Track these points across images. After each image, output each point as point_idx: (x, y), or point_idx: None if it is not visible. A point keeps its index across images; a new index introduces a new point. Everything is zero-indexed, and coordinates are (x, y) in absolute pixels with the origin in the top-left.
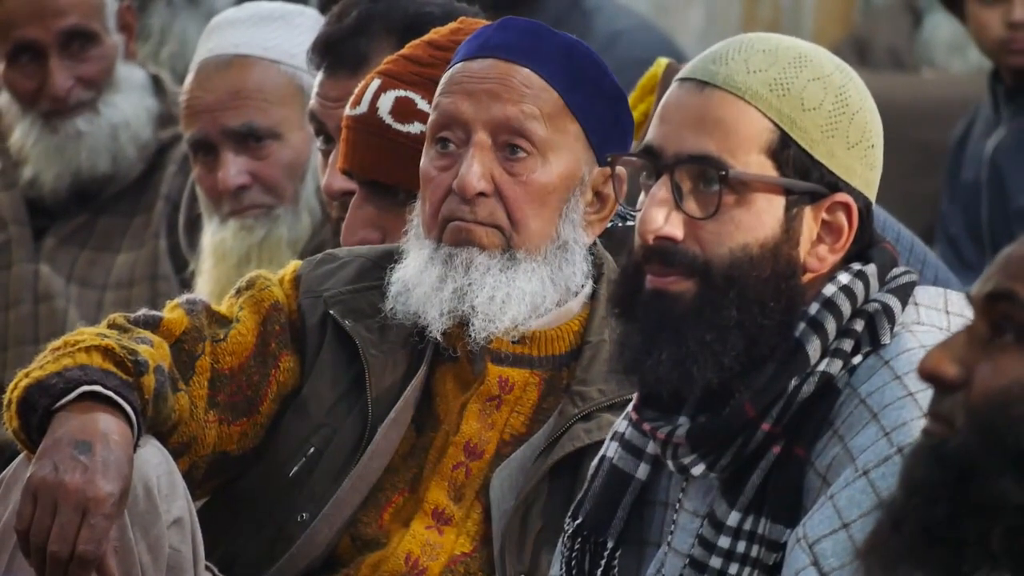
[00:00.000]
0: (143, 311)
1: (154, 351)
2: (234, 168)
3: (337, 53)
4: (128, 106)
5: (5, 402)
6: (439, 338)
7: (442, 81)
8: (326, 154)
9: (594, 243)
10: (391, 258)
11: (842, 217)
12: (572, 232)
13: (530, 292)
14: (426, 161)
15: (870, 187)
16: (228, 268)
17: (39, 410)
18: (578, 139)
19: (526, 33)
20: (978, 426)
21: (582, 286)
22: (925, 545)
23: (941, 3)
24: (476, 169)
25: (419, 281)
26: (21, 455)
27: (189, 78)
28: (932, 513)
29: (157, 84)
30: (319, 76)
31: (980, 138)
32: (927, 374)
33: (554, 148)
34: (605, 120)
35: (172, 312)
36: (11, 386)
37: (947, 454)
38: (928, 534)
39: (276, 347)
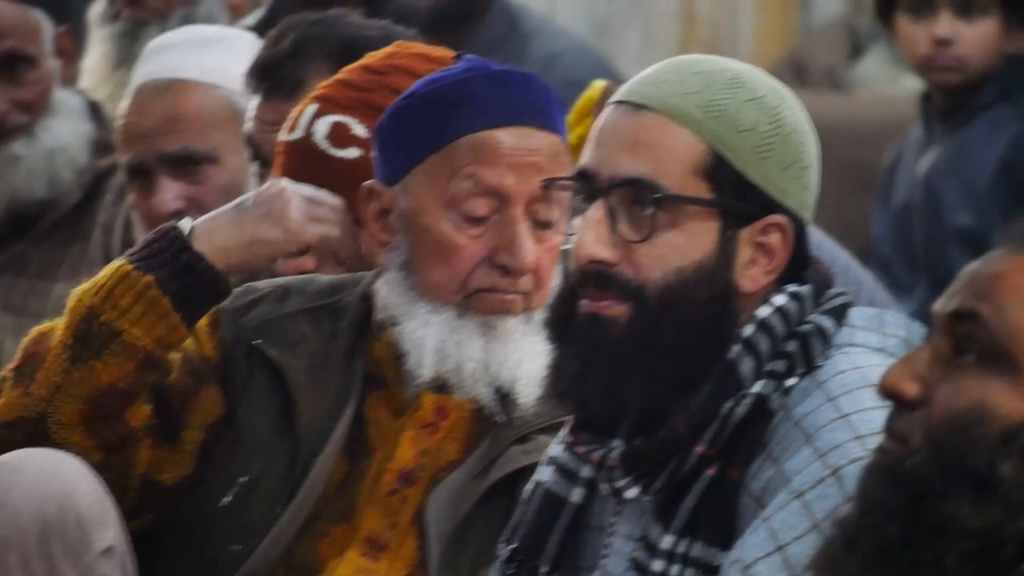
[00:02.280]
0: None
1: None
2: (170, 193)
3: (274, 77)
4: (65, 131)
5: None
6: (494, 406)
7: (466, 148)
8: (262, 178)
9: None
10: (312, 285)
11: (777, 239)
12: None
13: (545, 349)
14: (450, 227)
15: (805, 208)
16: None
17: None
18: None
19: (538, 92)
20: (936, 447)
21: None
22: (878, 565)
23: (878, 19)
24: (531, 248)
25: (456, 351)
26: None
27: (125, 102)
28: (886, 533)
29: (95, 110)
30: (256, 100)
31: (912, 160)
32: (887, 390)
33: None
34: None
35: None
36: None
37: (903, 474)
38: (882, 554)
39: (193, 383)
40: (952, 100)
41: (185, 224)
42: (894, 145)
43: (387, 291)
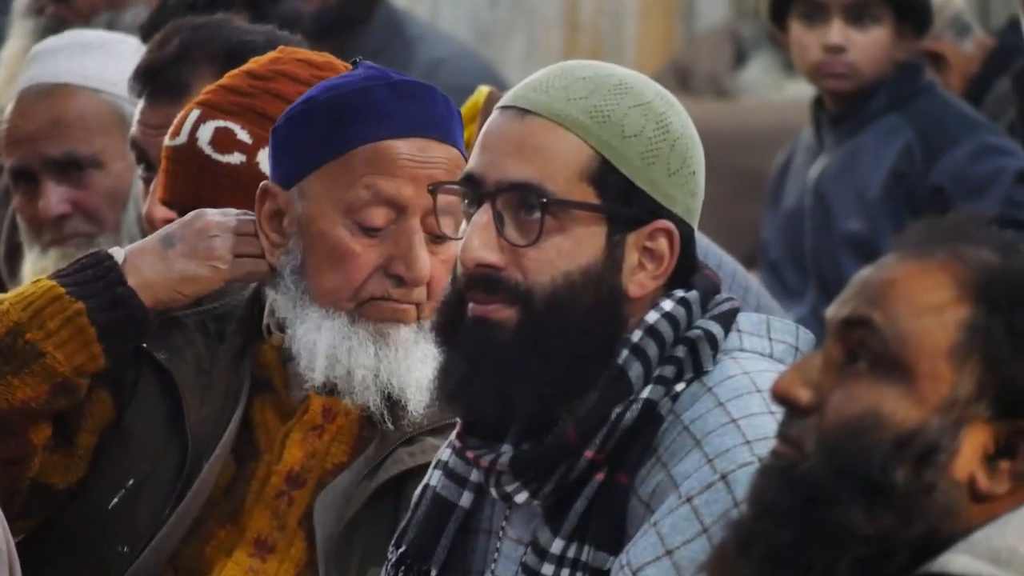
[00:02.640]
0: None
1: None
2: (55, 197)
3: (158, 81)
4: None
5: None
6: (382, 412)
7: (365, 157)
8: (147, 182)
9: None
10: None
11: (664, 244)
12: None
13: (435, 356)
14: (345, 234)
15: (691, 214)
16: None
17: None
18: None
19: (438, 104)
20: (829, 453)
21: None
22: (771, 569)
23: (771, 23)
24: (425, 259)
25: (347, 356)
26: None
27: (9, 107)
28: (779, 537)
29: None
30: (140, 104)
31: (802, 166)
32: (779, 396)
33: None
34: None
35: None
36: None
37: (796, 478)
38: (774, 558)
39: (83, 386)
40: (844, 107)
41: (117, 254)
42: (784, 149)
43: (278, 295)
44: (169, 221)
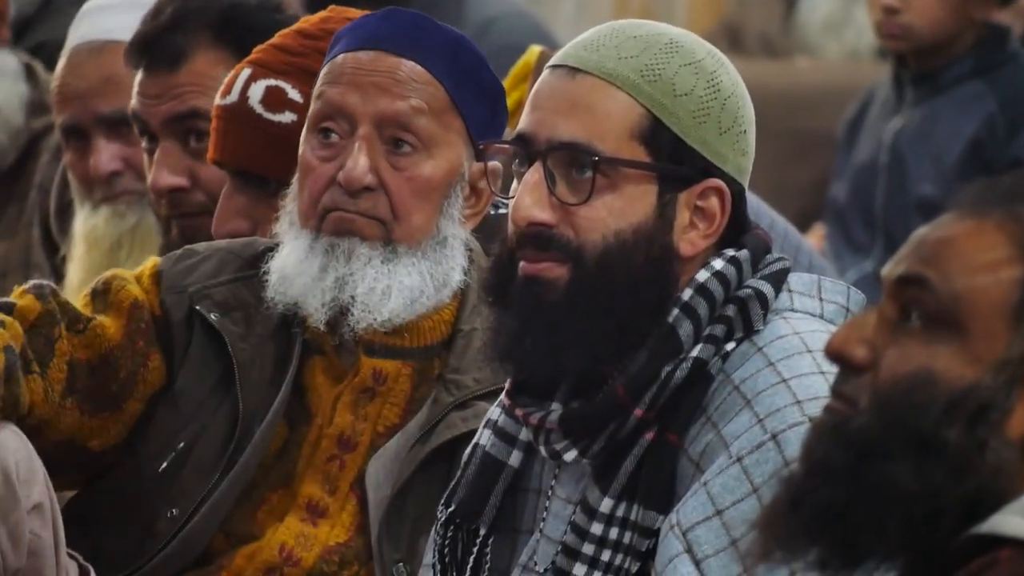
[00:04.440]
0: None
1: (3, 332)
2: (106, 154)
3: (154, 51)
4: None
5: None
6: (323, 328)
7: (325, 70)
8: (150, 152)
9: None
10: (252, 248)
11: (715, 203)
12: (451, 227)
13: (409, 286)
14: (306, 150)
15: (742, 173)
16: (100, 255)
17: None
18: (460, 134)
19: (412, 26)
20: (882, 409)
21: (459, 281)
22: (821, 525)
23: None
24: (363, 163)
25: (300, 271)
26: None
27: (60, 64)
28: (829, 494)
29: (30, 71)
30: (138, 75)
31: (879, 119)
32: (834, 354)
33: (438, 143)
34: (485, 115)
35: (22, 298)
36: None
37: (849, 434)
38: (824, 515)
39: (143, 345)
40: (926, 67)
41: None
42: (855, 101)
43: (279, 228)
44: (175, 188)
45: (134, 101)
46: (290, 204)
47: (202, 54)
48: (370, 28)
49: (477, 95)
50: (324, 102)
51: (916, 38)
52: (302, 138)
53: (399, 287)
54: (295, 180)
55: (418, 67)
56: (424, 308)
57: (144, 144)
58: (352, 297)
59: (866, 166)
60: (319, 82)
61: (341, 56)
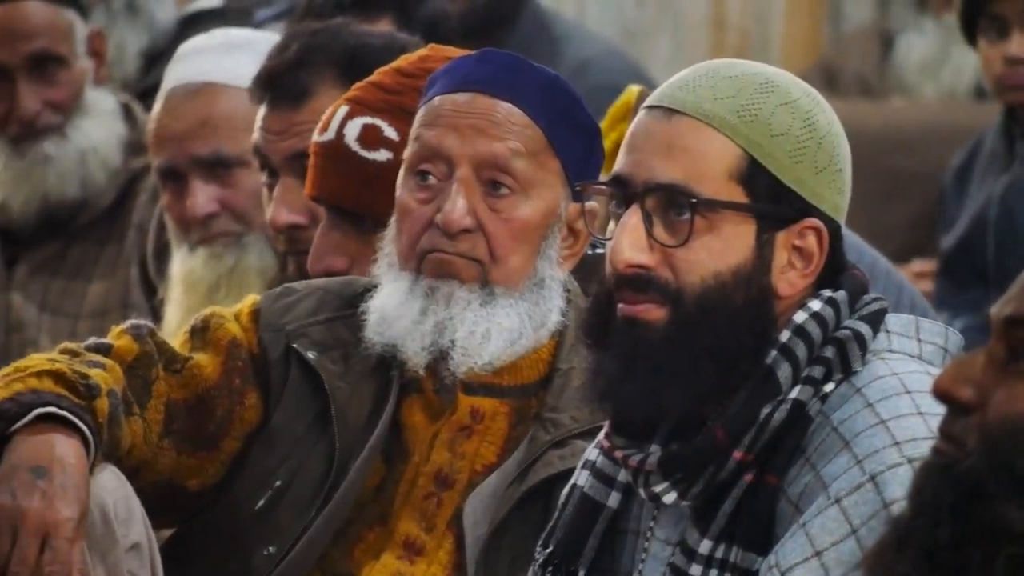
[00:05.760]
0: (92, 339)
1: (106, 375)
2: (203, 196)
3: (279, 86)
4: (97, 131)
5: None
6: (421, 373)
7: (421, 112)
8: (270, 188)
9: None
10: (351, 288)
11: (813, 242)
12: (549, 269)
13: (508, 328)
14: (404, 192)
15: (839, 211)
16: (198, 297)
17: None
18: (557, 175)
19: (508, 67)
20: (990, 450)
21: (557, 322)
22: (928, 566)
23: (966, 42)
24: (462, 205)
25: (399, 313)
26: None
27: (157, 106)
28: (937, 534)
29: (127, 111)
30: (262, 110)
31: (988, 172)
32: (941, 394)
33: (536, 185)
34: (582, 155)
35: (119, 339)
36: None
37: (957, 475)
38: (932, 555)
39: (240, 384)
40: None
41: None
42: (962, 149)
43: (377, 269)
44: (294, 225)
45: (256, 135)
46: (388, 246)
47: (326, 92)
48: (466, 70)
49: (574, 135)
50: (421, 144)
51: None
52: (399, 180)
53: (498, 329)
54: (393, 222)
55: (515, 109)
56: (523, 350)
57: (264, 179)
58: (452, 341)
59: (976, 218)
60: (416, 124)
61: (438, 98)
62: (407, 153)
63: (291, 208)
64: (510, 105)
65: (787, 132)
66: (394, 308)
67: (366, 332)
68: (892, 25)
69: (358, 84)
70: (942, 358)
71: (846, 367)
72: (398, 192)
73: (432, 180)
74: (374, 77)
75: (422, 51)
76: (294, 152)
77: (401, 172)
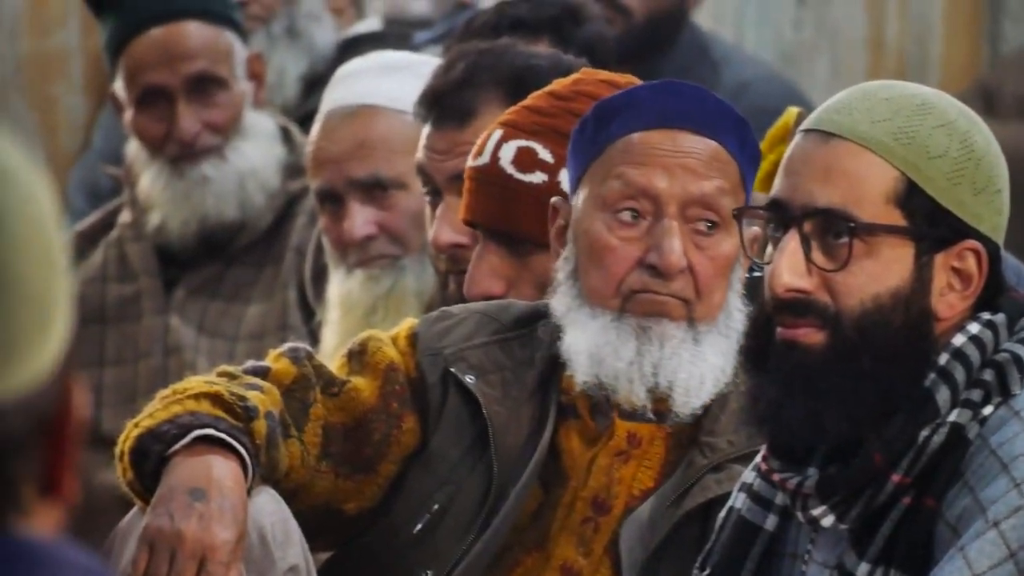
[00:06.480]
0: (250, 362)
1: (264, 397)
2: (360, 218)
3: (444, 106)
4: (256, 154)
5: (118, 453)
6: (651, 415)
7: (615, 148)
8: (433, 206)
9: None
10: (508, 312)
11: (972, 263)
12: (735, 300)
13: (718, 366)
14: (601, 229)
15: (998, 232)
16: (355, 319)
17: (152, 457)
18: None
19: (700, 101)
20: None
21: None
22: None
23: None
24: (679, 247)
25: (609, 353)
26: (135, 507)
27: (315, 128)
28: None
29: (286, 134)
30: (426, 129)
31: None
32: None
33: (732, 220)
34: (752, 183)
35: (277, 362)
36: (122, 437)
37: None
38: None
39: (398, 407)
40: None
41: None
42: None
43: (557, 303)
44: (456, 245)
45: (420, 154)
46: (567, 280)
47: (491, 112)
48: (659, 104)
49: (754, 166)
50: (626, 183)
51: None
52: (583, 213)
53: (710, 368)
54: (577, 254)
55: (718, 146)
56: (723, 386)
57: (427, 197)
58: (670, 383)
59: None
60: (611, 160)
61: (637, 136)
62: (604, 190)
63: (454, 228)
64: (713, 142)
65: (945, 154)
66: (602, 347)
67: (577, 373)
68: None
69: (511, 109)
70: None
71: (1005, 390)
72: (586, 226)
73: (638, 219)
74: (527, 101)
75: (576, 74)
76: (458, 172)
77: (589, 206)
